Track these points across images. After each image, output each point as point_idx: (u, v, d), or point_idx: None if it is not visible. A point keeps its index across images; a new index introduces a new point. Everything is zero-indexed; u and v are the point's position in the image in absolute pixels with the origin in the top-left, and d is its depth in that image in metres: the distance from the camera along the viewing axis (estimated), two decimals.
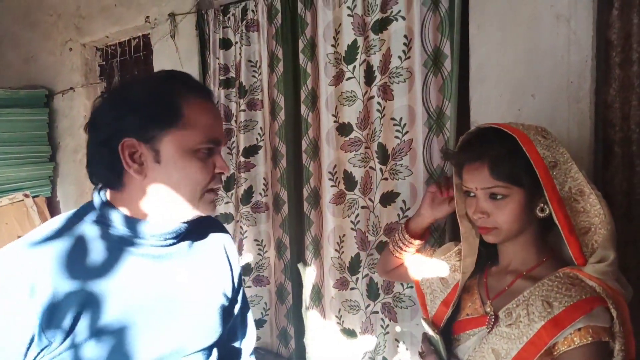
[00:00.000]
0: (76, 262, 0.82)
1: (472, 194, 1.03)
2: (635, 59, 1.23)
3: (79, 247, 0.83)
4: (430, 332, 1.10)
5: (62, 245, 0.82)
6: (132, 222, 0.87)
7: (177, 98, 0.85)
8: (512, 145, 0.97)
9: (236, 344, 1.16)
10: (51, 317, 0.77)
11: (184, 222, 0.91)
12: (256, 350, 2.07)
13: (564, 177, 0.95)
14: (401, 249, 1.30)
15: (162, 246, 0.90)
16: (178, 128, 0.84)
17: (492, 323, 1.00)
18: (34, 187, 2.91)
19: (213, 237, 1.04)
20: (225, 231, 1.10)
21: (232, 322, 1.09)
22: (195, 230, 0.97)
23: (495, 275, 1.09)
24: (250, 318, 1.19)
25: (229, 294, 1.04)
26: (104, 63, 2.91)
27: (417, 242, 1.29)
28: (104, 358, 0.83)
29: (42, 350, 0.78)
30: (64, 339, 0.79)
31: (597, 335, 0.87)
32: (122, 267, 0.86)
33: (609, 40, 1.26)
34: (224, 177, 0.92)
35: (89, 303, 0.81)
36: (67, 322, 0.79)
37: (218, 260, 1.04)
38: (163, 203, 0.87)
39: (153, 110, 0.84)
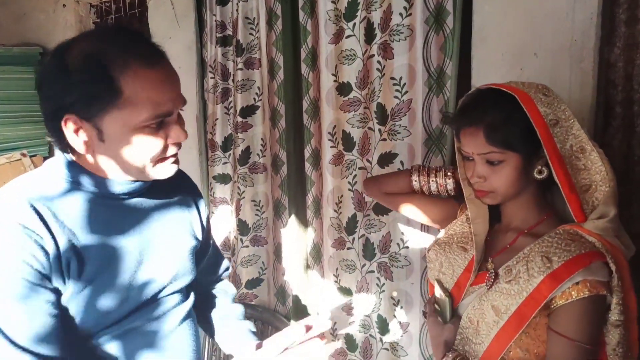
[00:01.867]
0: (60, 214, 0.83)
1: (470, 158, 1.03)
2: None
3: (58, 203, 0.84)
4: (442, 294, 1.11)
5: (46, 202, 0.83)
6: (94, 180, 0.87)
7: (114, 72, 0.78)
8: (509, 108, 0.96)
9: (213, 289, 1.23)
10: (54, 265, 0.80)
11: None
12: (254, 308, 2.13)
13: (565, 135, 0.94)
14: (432, 188, 1.23)
15: (127, 197, 0.91)
16: (118, 107, 0.79)
17: (491, 280, 1.02)
18: (31, 147, 2.89)
19: (178, 184, 1.05)
20: (189, 180, 1.12)
21: (205, 263, 1.14)
22: (161, 180, 0.97)
23: (497, 233, 1.10)
24: (219, 251, 1.25)
25: (199, 236, 1.07)
26: (99, 20, 2.84)
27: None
28: (94, 307, 0.86)
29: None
30: (64, 287, 0.82)
31: (594, 289, 0.89)
32: (97, 217, 0.87)
33: None
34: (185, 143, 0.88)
35: (76, 253, 0.83)
36: (63, 270, 0.82)
37: (185, 205, 1.06)
38: (116, 170, 0.87)
39: (90, 88, 0.78)
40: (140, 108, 0.80)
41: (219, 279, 1.26)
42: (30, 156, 2.85)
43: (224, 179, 2.20)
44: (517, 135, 0.95)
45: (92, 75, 0.78)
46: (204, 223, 1.11)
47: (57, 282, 0.81)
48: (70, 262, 0.82)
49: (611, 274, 0.90)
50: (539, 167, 0.97)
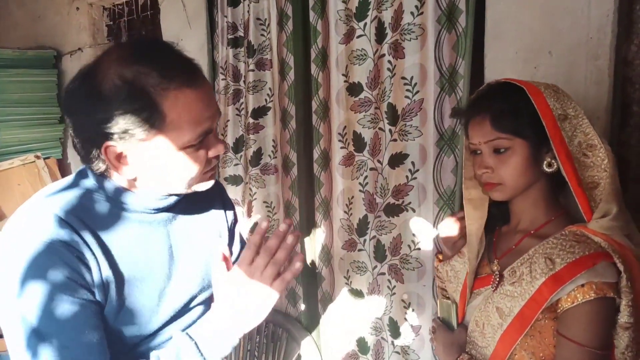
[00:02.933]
0: (97, 230, 0.83)
1: (478, 152, 1.02)
2: None
3: (94, 217, 0.83)
4: (445, 300, 1.09)
5: (79, 218, 0.82)
6: (127, 195, 0.86)
7: (156, 98, 0.75)
8: (516, 98, 0.95)
9: None
10: (96, 281, 0.80)
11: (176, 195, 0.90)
12: None
13: (573, 131, 0.93)
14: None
15: (157, 213, 0.90)
16: (162, 132, 0.77)
17: (496, 282, 1.00)
18: (44, 149, 2.93)
19: (211, 196, 1.03)
20: (219, 187, 1.11)
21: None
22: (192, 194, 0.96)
23: (504, 234, 1.08)
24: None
25: (225, 237, 1.06)
26: (112, 23, 2.87)
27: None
28: (125, 325, 0.86)
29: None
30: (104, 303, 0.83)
31: (600, 291, 0.86)
32: (130, 233, 0.87)
33: None
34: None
35: (114, 270, 0.83)
36: (103, 286, 0.82)
37: (214, 214, 1.05)
38: (156, 188, 0.86)
39: (130, 117, 0.75)
40: (185, 130, 0.78)
41: None
42: (44, 158, 2.88)
43: (235, 180, 2.20)
44: (525, 122, 0.94)
45: (134, 103, 0.75)
46: (230, 224, 1.10)
47: (99, 297, 0.81)
48: (109, 280, 0.82)
49: (619, 275, 0.87)
50: (549, 159, 0.95)
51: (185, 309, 0.95)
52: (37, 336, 0.75)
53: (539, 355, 0.93)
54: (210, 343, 0.82)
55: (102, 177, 0.85)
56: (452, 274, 1.13)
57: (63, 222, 0.79)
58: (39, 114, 2.88)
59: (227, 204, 1.09)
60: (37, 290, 0.75)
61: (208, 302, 1.01)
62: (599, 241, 0.90)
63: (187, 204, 0.96)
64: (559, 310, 0.90)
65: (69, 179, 0.89)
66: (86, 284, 0.78)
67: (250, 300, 0.82)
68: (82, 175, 0.88)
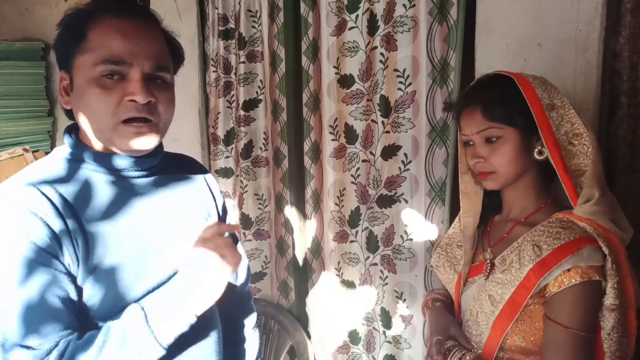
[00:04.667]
0: (68, 199, 0.83)
1: (471, 143, 1.04)
2: None
3: (67, 185, 0.84)
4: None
5: (54, 186, 0.83)
6: (99, 157, 0.87)
7: (85, 21, 0.83)
8: (506, 88, 0.98)
9: (234, 307, 1.17)
10: (65, 244, 0.80)
11: (152, 154, 0.91)
12: (257, 302, 2.12)
13: (560, 121, 0.96)
14: None
15: (136, 177, 0.91)
16: (81, 52, 0.82)
17: (488, 270, 1.03)
18: (33, 142, 2.89)
19: (192, 170, 1.06)
20: (201, 167, 1.12)
21: None
22: (173, 165, 1.00)
23: (497, 224, 1.11)
24: (241, 249, 1.17)
25: (215, 219, 1.06)
26: None
27: None
28: (108, 290, 0.84)
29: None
30: (75, 271, 0.81)
31: (586, 275, 0.89)
32: (104, 196, 0.87)
33: None
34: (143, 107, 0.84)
35: (87, 237, 0.82)
36: (75, 249, 0.81)
37: (200, 192, 1.05)
38: (90, 135, 0.87)
39: (64, 37, 0.85)
40: (96, 52, 0.81)
41: (242, 293, 1.19)
42: (33, 151, 2.85)
43: (226, 172, 2.20)
44: (514, 111, 0.97)
45: (67, 26, 0.85)
46: (218, 205, 1.10)
47: (69, 262, 0.80)
48: (79, 241, 0.81)
49: (605, 258, 0.90)
50: (539, 147, 0.98)
51: (170, 278, 0.90)
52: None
53: (530, 339, 0.96)
54: (161, 315, 0.79)
55: (77, 143, 0.89)
56: (449, 265, 1.15)
57: (31, 189, 0.80)
58: (27, 107, 2.85)
59: (216, 193, 1.10)
60: (1, 256, 0.76)
61: None
62: (584, 226, 0.92)
63: (171, 177, 0.98)
64: (547, 295, 0.92)
65: (47, 156, 0.92)
66: (50, 248, 0.78)
67: (205, 273, 0.81)
68: (58, 148, 0.91)
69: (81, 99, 0.83)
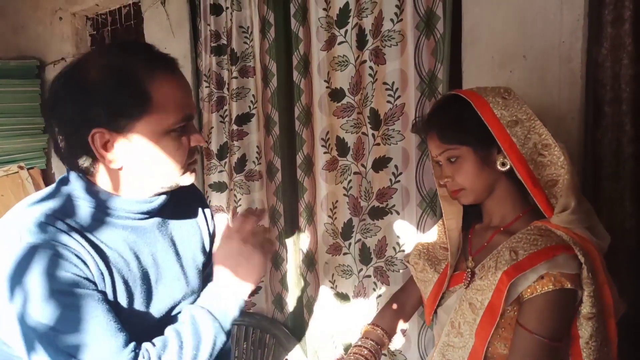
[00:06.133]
0: (87, 233, 0.83)
1: (439, 163, 1.07)
2: (627, 17, 1.22)
3: (83, 222, 0.84)
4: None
5: (72, 220, 0.83)
6: (112, 199, 0.87)
7: (143, 80, 0.80)
8: (458, 108, 1.02)
9: None
10: (97, 278, 0.82)
11: (162, 194, 0.92)
12: (252, 316, 2.12)
13: (527, 134, 0.98)
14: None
15: (142, 219, 0.92)
16: (149, 113, 0.80)
17: (469, 279, 1.03)
18: (28, 159, 2.90)
19: (191, 200, 1.07)
20: (198, 192, 1.14)
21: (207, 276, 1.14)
22: (172, 198, 0.97)
23: (479, 232, 1.12)
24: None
25: (207, 249, 1.08)
26: (95, 32, 2.87)
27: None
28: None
29: None
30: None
31: (559, 283, 0.89)
32: (118, 238, 0.87)
33: None
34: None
35: (109, 271, 0.84)
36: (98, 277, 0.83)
37: (197, 221, 1.06)
38: (141, 184, 0.87)
39: (119, 99, 0.79)
40: (170, 111, 0.82)
41: None
42: (28, 169, 2.86)
43: (220, 187, 2.21)
44: (466, 130, 1.00)
45: (120, 85, 0.79)
46: (212, 234, 1.11)
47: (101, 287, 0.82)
48: (105, 277, 0.83)
49: (581, 267, 0.90)
50: (501, 159, 1.00)
51: (168, 315, 0.95)
52: (54, 337, 0.76)
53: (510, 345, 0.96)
54: (221, 309, 0.88)
55: (85, 182, 0.86)
56: (429, 265, 1.16)
57: (46, 225, 0.79)
58: (22, 124, 2.87)
59: (209, 217, 1.11)
60: (36, 292, 0.75)
61: None
62: (561, 234, 0.93)
63: (172, 211, 0.97)
64: (521, 302, 0.93)
65: (51, 187, 0.89)
66: (86, 275, 0.79)
67: (243, 263, 0.89)
68: (63, 182, 0.88)
69: (150, 153, 0.83)
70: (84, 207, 0.85)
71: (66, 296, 0.77)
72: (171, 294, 0.95)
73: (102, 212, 0.86)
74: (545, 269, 0.90)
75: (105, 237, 0.86)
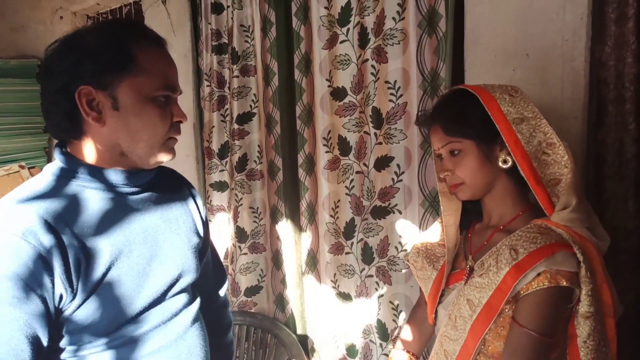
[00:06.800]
0: (64, 216, 0.82)
1: (441, 156, 1.07)
2: (631, 15, 1.21)
3: (61, 202, 0.84)
4: None
5: (48, 203, 0.82)
6: (96, 172, 0.88)
7: (130, 44, 0.85)
8: (463, 102, 1.02)
9: (218, 291, 1.24)
10: (60, 270, 0.79)
11: (148, 170, 0.94)
12: (253, 316, 2.12)
13: (532, 132, 0.97)
14: None
15: (130, 193, 0.93)
16: (133, 74, 0.84)
17: (467, 275, 1.04)
18: (29, 159, 2.90)
19: (177, 184, 1.09)
20: (187, 181, 1.15)
21: (204, 267, 1.14)
22: (163, 180, 1.02)
23: (478, 231, 1.12)
24: (220, 259, 1.27)
25: (201, 233, 1.08)
26: None
27: None
28: (108, 306, 0.85)
29: (59, 304, 0.81)
30: (73, 293, 0.81)
31: (554, 280, 0.89)
32: (103, 213, 0.87)
33: None
34: (182, 126, 0.94)
35: (85, 253, 0.83)
36: (72, 272, 0.81)
37: (186, 204, 1.07)
38: (124, 150, 0.88)
39: (107, 56, 0.83)
40: (153, 77, 0.86)
41: (219, 300, 1.24)
42: (29, 168, 2.86)
43: (221, 186, 2.20)
44: (471, 124, 1.00)
45: (108, 45, 0.84)
46: (204, 220, 1.12)
47: (62, 292, 0.80)
48: (81, 261, 0.82)
49: (579, 265, 0.90)
50: (503, 156, 1.00)
51: (165, 294, 0.94)
52: None
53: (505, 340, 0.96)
54: None
55: (71, 157, 0.88)
56: (428, 262, 1.16)
57: (32, 215, 0.79)
58: (23, 124, 2.86)
59: (198, 201, 1.12)
60: None
61: (189, 290, 1.02)
62: (561, 232, 0.94)
63: (161, 192, 0.99)
64: (518, 298, 0.94)
65: (39, 174, 0.91)
66: (40, 284, 0.77)
67: None
68: (51, 165, 0.90)
69: (134, 116, 0.86)
70: (71, 185, 0.86)
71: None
72: (166, 272, 0.94)
73: (89, 188, 0.87)
74: (545, 266, 0.90)
75: (92, 213, 0.86)
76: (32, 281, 0.76)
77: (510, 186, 1.04)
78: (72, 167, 0.87)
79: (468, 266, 1.05)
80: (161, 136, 0.89)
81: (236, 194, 2.11)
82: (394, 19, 1.59)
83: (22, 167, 2.83)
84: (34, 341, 0.78)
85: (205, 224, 1.13)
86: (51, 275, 0.78)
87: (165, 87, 0.88)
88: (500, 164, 1.01)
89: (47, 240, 0.78)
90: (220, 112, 2.15)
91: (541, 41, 1.32)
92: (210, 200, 2.23)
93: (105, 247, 0.85)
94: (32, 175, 2.84)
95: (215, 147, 2.17)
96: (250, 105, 2.06)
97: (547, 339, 0.91)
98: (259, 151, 2.08)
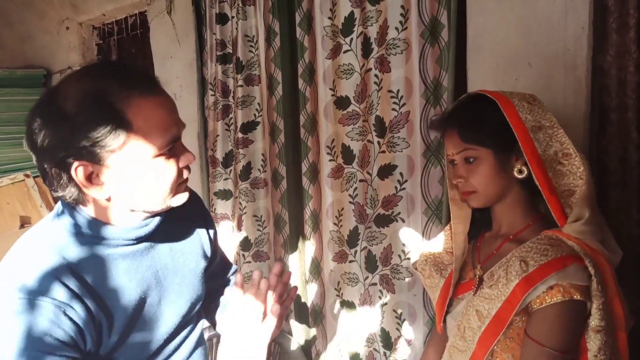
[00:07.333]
0: (83, 274, 0.81)
1: (455, 162, 1.06)
2: (632, 24, 1.22)
3: (77, 262, 0.81)
4: None
5: (65, 263, 0.80)
6: (107, 231, 0.84)
7: (120, 107, 0.75)
8: (482, 108, 1.00)
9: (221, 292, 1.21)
10: (86, 329, 0.79)
11: (156, 216, 0.88)
12: None
13: (549, 141, 0.96)
14: None
15: (136, 244, 0.89)
16: (130, 139, 0.76)
17: (476, 286, 1.03)
18: (34, 167, 2.90)
19: (192, 208, 1.03)
20: (197, 197, 1.09)
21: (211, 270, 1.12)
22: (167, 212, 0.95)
23: (487, 240, 1.10)
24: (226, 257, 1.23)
25: (209, 253, 1.06)
26: (101, 42, 2.90)
27: None
28: (126, 355, 0.86)
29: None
30: (97, 349, 0.82)
31: (567, 294, 0.88)
32: (116, 268, 0.85)
33: (606, 6, 1.25)
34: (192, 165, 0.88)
35: (105, 311, 0.82)
36: (95, 331, 0.81)
37: (195, 227, 1.04)
38: (134, 208, 0.84)
39: (95, 129, 0.74)
40: (153, 136, 0.78)
41: (227, 283, 1.21)
42: (34, 177, 2.88)
43: (225, 194, 2.21)
44: (489, 132, 0.98)
45: (97, 115, 0.74)
46: (212, 238, 1.09)
47: (89, 344, 0.80)
48: (102, 321, 0.81)
49: (591, 278, 0.89)
50: (519, 166, 0.99)
51: (177, 332, 0.96)
52: None
53: (519, 357, 0.95)
54: None
55: (77, 214, 0.84)
56: (435, 270, 1.15)
57: (50, 276, 0.77)
58: None
59: (208, 221, 1.09)
60: (13, 345, 0.73)
61: (195, 315, 1.02)
62: (572, 245, 0.92)
63: (168, 227, 0.94)
64: (530, 312, 0.92)
65: (45, 221, 0.87)
66: (68, 339, 0.76)
67: (252, 346, 0.86)
68: (59, 217, 0.86)
69: (139, 180, 0.80)
70: (81, 242, 0.83)
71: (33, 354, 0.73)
72: (177, 310, 0.95)
73: (97, 244, 0.84)
74: (556, 279, 0.88)
75: (103, 271, 0.83)
76: (63, 335, 0.76)
77: (522, 195, 1.02)
78: (83, 223, 0.83)
79: (477, 276, 1.04)
80: (171, 187, 0.83)
81: (240, 203, 2.11)
82: (396, 29, 1.61)
83: (27, 175, 2.85)
84: None
85: (215, 242, 1.11)
86: (79, 331, 0.78)
87: (167, 143, 0.80)
88: (515, 173, 0.99)
89: (69, 300, 0.77)
90: (224, 121, 2.16)
91: (543, 50, 1.33)
92: (215, 209, 2.24)
93: (123, 305, 0.85)
94: (37, 184, 2.86)
95: (219, 155, 2.19)
96: (255, 114, 2.08)
97: (567, 356, 0.90)
98: (263, 160, 2.09)
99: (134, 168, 0.78)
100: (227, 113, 2.16)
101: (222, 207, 2.23)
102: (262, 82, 2.04)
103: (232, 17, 2.06)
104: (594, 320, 0.89)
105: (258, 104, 2.06)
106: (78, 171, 0.76)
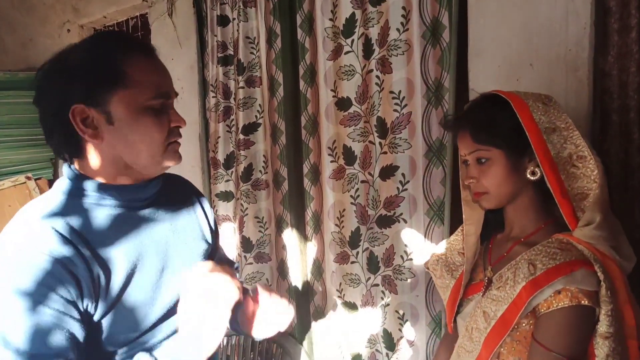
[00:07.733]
0: (79, 233, 0.84)
1: (467, 162, 1.05)
2: (634, 25, 1.22)
3: (75, 220, 0.85)
4: None
5: (64, 221, 0.83)
6: (104, 189, 0.89)
7: (117, 57, 0.85)
8: (495, 109, 0.99)
9: None
10: (86, 286, 0.81)
11: (154, 180, 0.94)
12: None
13: (563, 143, 0.94)
14: None
15: (139, 207, 0.93)
16: (123, 87, 0.84)
17: (485, 287, 1.03)
18: (35, 170, 2.92)
19: (185, 191, 1.10)
20: (193, 186, 1.15)
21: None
22: (167, 189, 1.01)
23: (499, 242, 1.10)
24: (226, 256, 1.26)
25: (209, 239, 1.09)
26: None
27: None
28: (125, 319, 0.87)
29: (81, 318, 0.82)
30: (95, 307, 0.83)
31: (575, 299, 0.87)
32: (115, 229, 0.88)
33: (607, 7, 1.25)
34: (182, 131, 0.95)
35: (103, 269, 0.84)
36: (94, 288, 0.82)
37: (193, 211, 1.08)
38: (128, 163, 0.89)
39: (95, 73, 0.84)
40: (144, 87, 0.86)
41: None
42: (35, 179, 2.88)
43: (226, 196, 2.21)
44: (501, 133, 0.97)
45: (95, 61, 0.84)
46: (212, 225, 1.13)
47: (88, 303, 0.82)
48: (100, 277, 0.83)
49: (600, 284, 0.87)
50: (532, 168, 0.97)
51: (173, 310, 0.94)
52: (4, 342, 0.75)
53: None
54: None
55: (79, 176, 0.89)
56: (447, 270, 1.15)
57: (50, 232, 0.81)
58: (30, 135, 2.89)
59: (209, 214, 1.13)
60: (16, 300, 0.76)
61: None
62: (583, 249, 0.91)
63: (168, 202, 1.00)
64: (537, 315, 0.91)
65: (50, 191, 0.92)
66: (70, 296, 0.79)
67: (203, 324, 0.83)
68: (61, 182, 0.91)
69: (129, 128, 0.86)
70: (84, 204, 0.87)
71: (34, 311, 0.76)
72: (178, 282, 0.94)
73: (100, 205, 0.88)
74: (563, 284, 0.87)
75: (105, 230, 0.87)
76: (63, 291, 0.78)
77: (534, 198, 1.01)
78: (81, 185, 0.88)
79: (486, 278, 1.04)
80: (160, 144, 0.89)
81: (242, 204, 2.12)
82: (397, 30, 1.61)
83: (28, 178, 2.85)
84: (72, 339, 0.79)
85: (215, 230, 1.13)
86: (79, 286, 0.80)
87: (157, 96, 0.88)
88: (528, 175, 0.98)
89: (70, 255, 0.80)
90: (226, 122, 2.17)
91: (545, 51, 1.33)
92: (216, 210, 2.24)
93: (120, 262, 0.86)
94: (38, 186, 2.87)
95: (221, 157, 2.19)
96: (256, 116, 2.08)
97: None
98: (264, 161, 2.10)
99: (126, 115, 0.85)
100: (229, 115, 2.16)
101: (223, 208, 2.23)
102: (264, 83, 2.04)
103: (233, 18, 2.06)
104: (602, 327, 0.88)
105: (259, 105, 2.07)
106: (75, 113, 0.84)
